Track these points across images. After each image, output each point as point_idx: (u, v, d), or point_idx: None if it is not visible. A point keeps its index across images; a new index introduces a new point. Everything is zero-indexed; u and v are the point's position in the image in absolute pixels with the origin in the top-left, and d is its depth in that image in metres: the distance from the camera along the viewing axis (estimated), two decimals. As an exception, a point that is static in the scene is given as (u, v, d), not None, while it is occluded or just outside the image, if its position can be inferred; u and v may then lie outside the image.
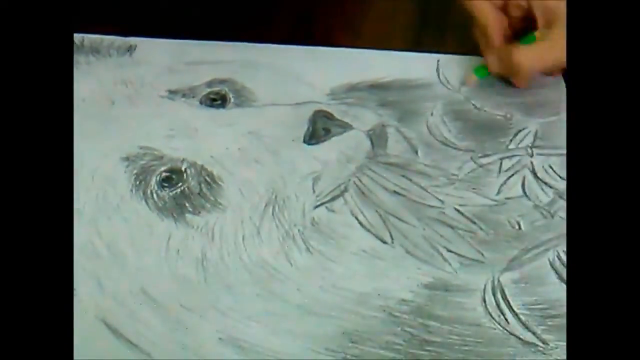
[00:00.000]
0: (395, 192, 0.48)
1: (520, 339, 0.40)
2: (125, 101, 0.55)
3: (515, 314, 0.41)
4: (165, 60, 0.59)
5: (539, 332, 0.40)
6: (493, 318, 0.41)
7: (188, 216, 0.46)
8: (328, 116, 0.52)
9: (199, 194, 0.48)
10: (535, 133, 0.52)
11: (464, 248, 0.45)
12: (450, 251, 0.45)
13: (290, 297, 0.42)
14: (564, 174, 0.49)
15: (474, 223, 0.46)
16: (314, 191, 0.48)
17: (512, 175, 0.49)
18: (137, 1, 0.64)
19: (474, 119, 0.54)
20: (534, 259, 0.44)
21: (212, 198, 0.47)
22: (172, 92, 0.55)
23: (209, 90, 0.55)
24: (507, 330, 0.41)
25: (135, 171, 0.49)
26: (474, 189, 0.48)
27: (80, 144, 0.49)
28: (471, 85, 0.55)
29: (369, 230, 0.46)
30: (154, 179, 0.48)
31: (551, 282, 0.43)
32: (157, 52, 0.59)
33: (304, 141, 0.51)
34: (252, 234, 0.45)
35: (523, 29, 0.54)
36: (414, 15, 0.65)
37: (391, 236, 0.45)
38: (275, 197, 0.47)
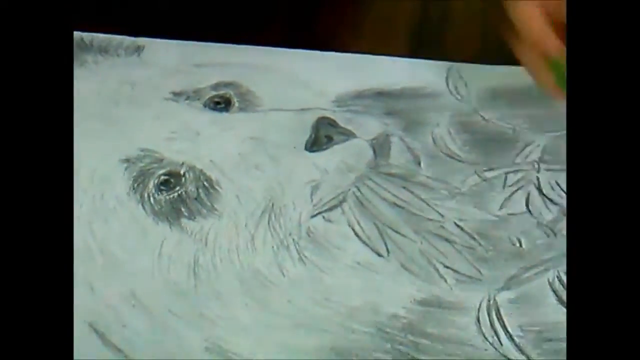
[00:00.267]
0: (394, 203, 0.47)
1: (513, 362, 0.39)
2: (129, 102, 0.55)
3: (510, 336, 0.40)
4: (173, 61, 0.58)
5: (533, 355, 0.39)
6: (486, 339, 0.40)
7: (183, 221, 0.46)
8: (332, 123, 0.51)
9: (195, 198, 0.47)
10: (544, 147, 0.51)
11: (461, 264, 0.43)
12: (447, 267, 0.43)
13: (280, 309, 0.42)
14: (570, 190, 0.47)
15: (474, 239, 0.45)
16: (311, 200, 0.47)
17: (517, 190, 0.48)
18: (147, 2, 0.64)
19: (480, 131, 0.52)
20: (533, 278, 0.43)
21: (208, 203, 0.47)
22: (176, 94, 0.55)
23: (214, 93, 0.55)
24: (499, 352, 0.39)
25: (134, 173, 0.49)
26: (476, 203, 0.47)
27: (81, 144, 0.49)
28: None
29: (364, 242, 0.45)
30: (152, 182, 0.48)
31: (549, 303, 0.41)
32: (165, 53, 0.59)
33: (306, 148, 0.50)
34: (246, 241, 0.45)
35: None
36: (416, 16, 0.63)
37: (387, 249, 0.44)
38: (272, 205, 0.47)
